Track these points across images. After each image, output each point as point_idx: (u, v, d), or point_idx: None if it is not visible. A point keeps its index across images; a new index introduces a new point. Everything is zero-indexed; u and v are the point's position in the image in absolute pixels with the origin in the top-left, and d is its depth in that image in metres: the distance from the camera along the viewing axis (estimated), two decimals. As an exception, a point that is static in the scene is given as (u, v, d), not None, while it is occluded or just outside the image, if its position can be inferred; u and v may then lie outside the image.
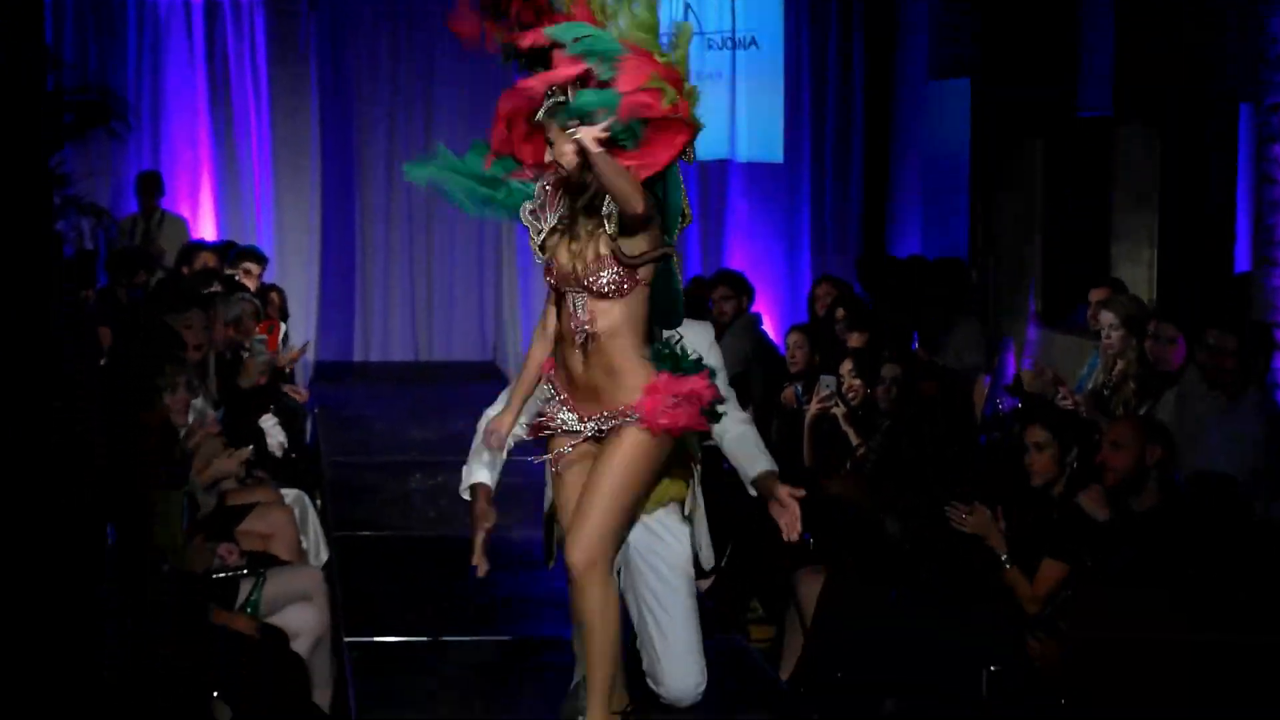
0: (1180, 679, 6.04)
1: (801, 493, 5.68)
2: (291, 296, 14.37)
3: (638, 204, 5.05)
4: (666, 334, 5.47)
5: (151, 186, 13.83)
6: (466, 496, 5.84)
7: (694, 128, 5.19)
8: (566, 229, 5.32)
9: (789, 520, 5.60)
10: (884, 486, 7.83)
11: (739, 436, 5.75)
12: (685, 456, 5.71)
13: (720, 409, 5.47)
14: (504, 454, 5.72)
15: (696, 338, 5.58)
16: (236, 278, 11.17)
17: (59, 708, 5.23)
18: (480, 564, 5.69)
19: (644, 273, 5.25)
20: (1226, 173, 9.84)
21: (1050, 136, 11.49)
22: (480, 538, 5.70)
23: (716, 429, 5.69)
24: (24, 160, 5.98)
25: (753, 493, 5.76)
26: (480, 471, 5.79)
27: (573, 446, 5.39)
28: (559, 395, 5.39)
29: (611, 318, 5.26)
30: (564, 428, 5.39)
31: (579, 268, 5.26)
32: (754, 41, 14.56)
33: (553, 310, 5.40)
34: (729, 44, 14.47)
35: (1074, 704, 6.20)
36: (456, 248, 15.99)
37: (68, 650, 5.31)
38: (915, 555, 7.10)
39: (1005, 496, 6.85)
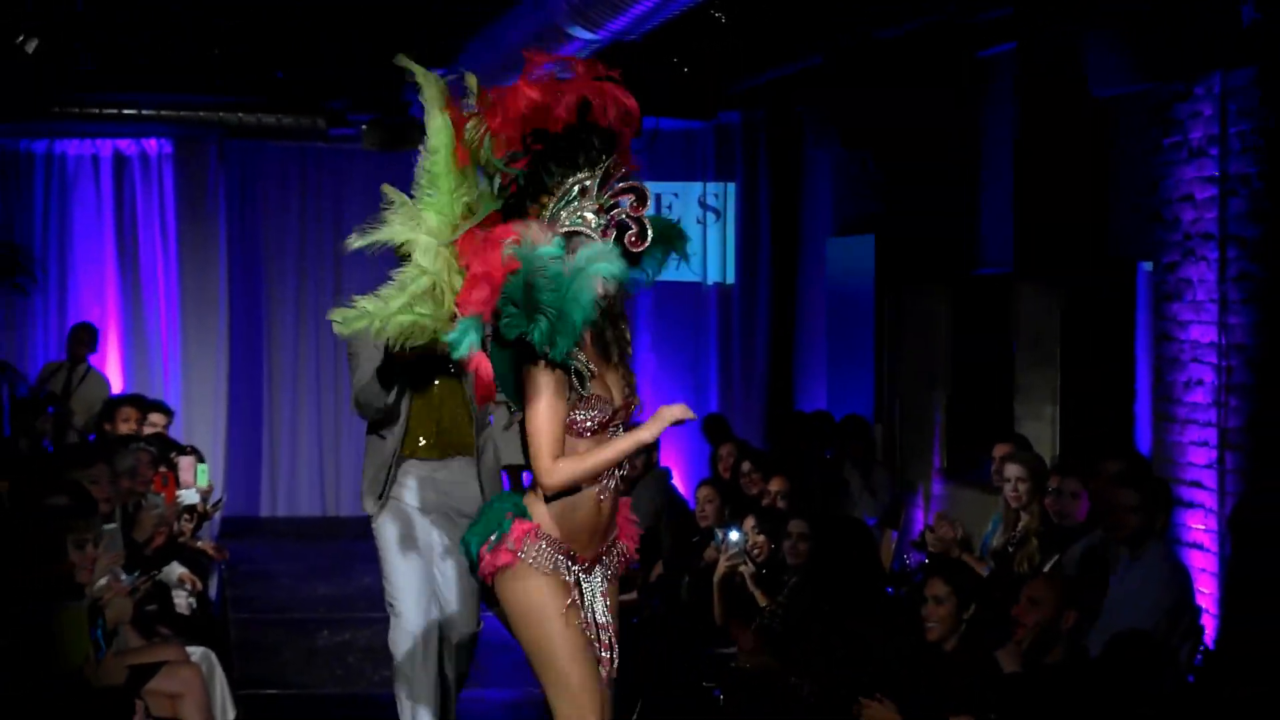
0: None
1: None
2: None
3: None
4: None
5: (85, 339, 13.67)
6: None
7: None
8: (603, 357, 5.04)
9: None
10: (792, 644, 7.84)
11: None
12: None
13: None
14: None
15: None
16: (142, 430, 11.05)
17: None
18: None
19: None
20: (1126, 330, 9.99)
21: (953, 292, 11.64)
22: None
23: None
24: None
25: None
26: None
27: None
28: (561, 547, 5.04)
29: None
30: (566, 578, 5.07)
31: (628, 396, 5.06)
32: (676, 196, 14.76)
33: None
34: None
35: None
36: (364, 402, 15.96)
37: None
38: (825, 715, 7.11)
39: (908, 651, 6.89)
